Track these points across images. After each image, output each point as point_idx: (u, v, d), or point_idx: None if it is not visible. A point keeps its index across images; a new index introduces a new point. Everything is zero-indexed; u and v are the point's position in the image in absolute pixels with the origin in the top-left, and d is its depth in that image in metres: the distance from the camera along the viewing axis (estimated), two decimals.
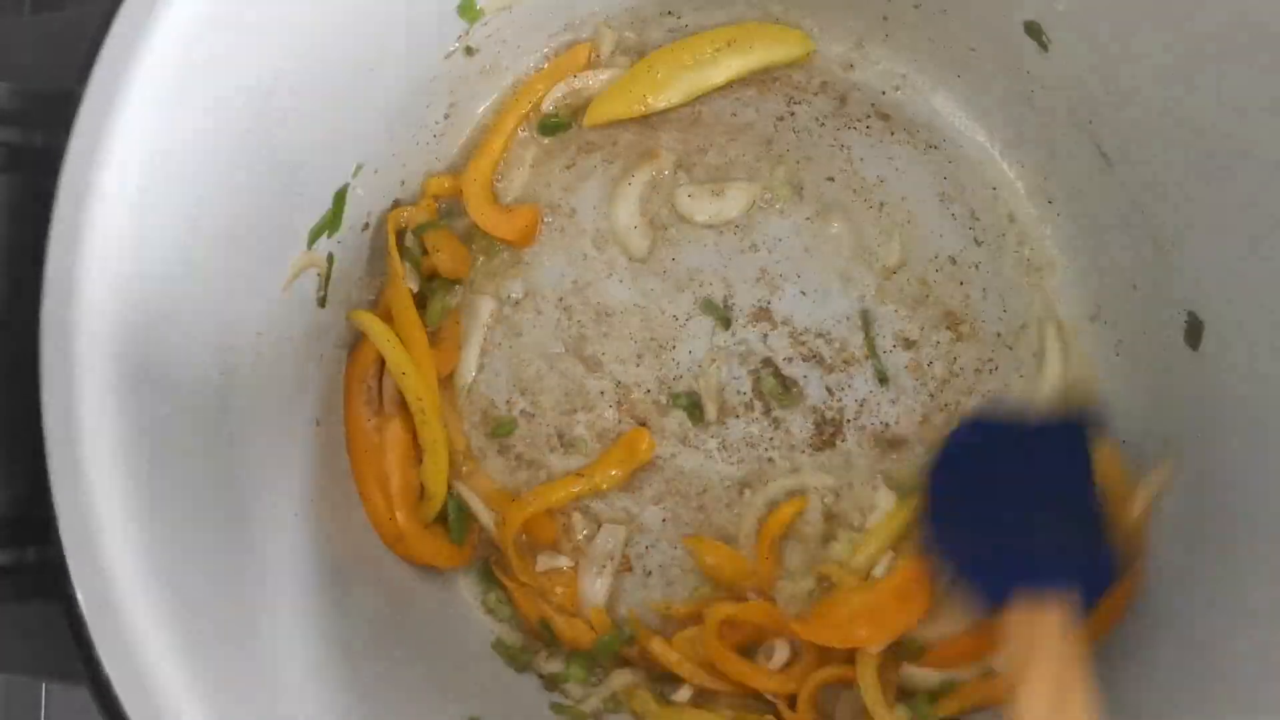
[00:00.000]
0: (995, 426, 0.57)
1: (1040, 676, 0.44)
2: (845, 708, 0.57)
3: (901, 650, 0.57)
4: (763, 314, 0.62)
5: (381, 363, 0.59)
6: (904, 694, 0.57)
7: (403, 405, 0.59)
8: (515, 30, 0.61)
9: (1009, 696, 0.44)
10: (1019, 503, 0.52)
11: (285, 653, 0.46)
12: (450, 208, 0.64)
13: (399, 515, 0.58)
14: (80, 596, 0.37)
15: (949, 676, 0.56)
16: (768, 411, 0.61)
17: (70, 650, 0.37)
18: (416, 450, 0.60)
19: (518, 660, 0.60)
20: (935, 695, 0.56)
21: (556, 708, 0.59)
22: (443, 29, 0.57)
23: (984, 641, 0.56)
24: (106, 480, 0.38)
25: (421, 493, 0.59)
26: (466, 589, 0.62)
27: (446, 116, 0.62)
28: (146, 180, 0.40)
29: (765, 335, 0.62)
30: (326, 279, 0.56)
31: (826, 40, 0.64)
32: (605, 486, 0.60)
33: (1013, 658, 0.46)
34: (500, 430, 0.62)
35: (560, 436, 0.62)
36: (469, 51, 0.60)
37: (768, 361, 0.62)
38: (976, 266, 0.62)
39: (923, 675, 0.57)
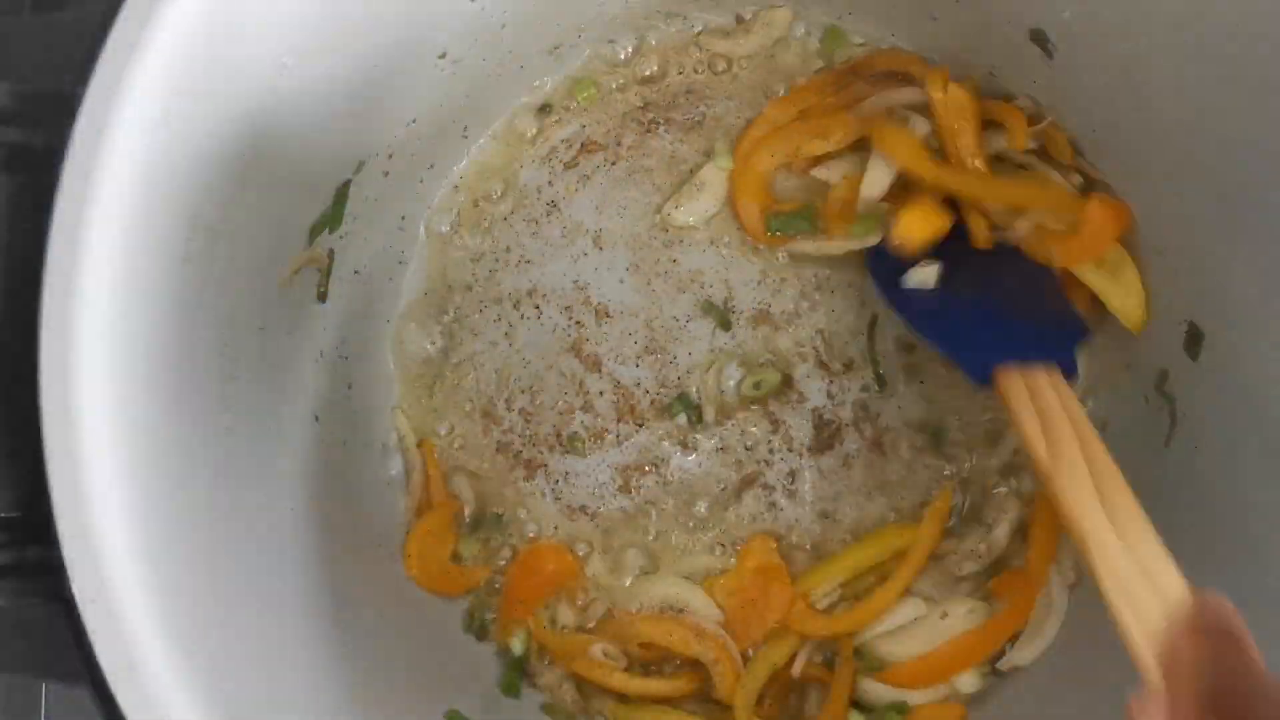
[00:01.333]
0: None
1: (1051, 427, 0.47)
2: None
3: (862, 663, 0.58)
4: (763, 316, 0.62)
5: None
6: (862, 707, 0.57)
7: None
8: (517, 35, 0.60)
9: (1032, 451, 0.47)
10: (983, 285, 0.55)
11: (281, 652, 0.46)
12: None
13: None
14: (78, 596, 0.37)
15: (901, 696, 0.57)
16: (767, 414, 0.61)
17: (70, 650, 0.38)
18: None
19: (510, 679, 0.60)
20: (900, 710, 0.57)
21: (547, 708, 0.59)
22: (444, 30, 0.57)
23: (938, 670, 0.56)
24: (105, 479, 0.38)
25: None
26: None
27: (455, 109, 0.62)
28: (146, 179, 0.40)
29: (766, 337, 0.62)
30: (327, 275, 0.57)
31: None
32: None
33: (1018, 417, 0.49)
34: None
35: (559, 435, 0.62)
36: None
37: (768, 364, 0.62)
38: None
39: (877, 690, 0.57)
